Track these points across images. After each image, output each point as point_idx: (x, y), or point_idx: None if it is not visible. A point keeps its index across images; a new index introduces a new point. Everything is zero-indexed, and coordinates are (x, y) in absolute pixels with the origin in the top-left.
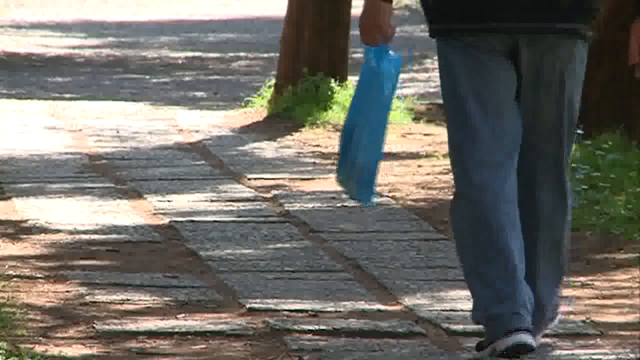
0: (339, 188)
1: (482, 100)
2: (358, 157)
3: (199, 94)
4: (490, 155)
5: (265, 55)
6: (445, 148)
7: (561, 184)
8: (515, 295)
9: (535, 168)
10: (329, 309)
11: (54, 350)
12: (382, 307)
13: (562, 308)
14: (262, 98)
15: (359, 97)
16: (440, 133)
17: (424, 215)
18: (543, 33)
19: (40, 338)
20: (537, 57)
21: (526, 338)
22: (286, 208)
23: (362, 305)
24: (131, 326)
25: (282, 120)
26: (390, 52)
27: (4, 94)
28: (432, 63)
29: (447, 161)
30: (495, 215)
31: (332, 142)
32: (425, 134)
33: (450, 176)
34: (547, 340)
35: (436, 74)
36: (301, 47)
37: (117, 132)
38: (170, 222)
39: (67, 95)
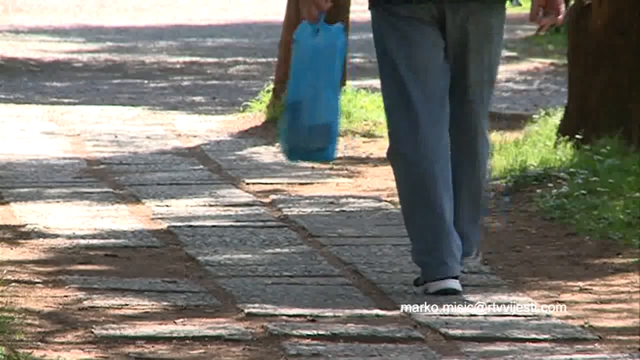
0: (338, 193)
1: (412, 65)
2: (322, 119)
3: (197, 98)
4: (422, 116)
5: (264, 60)
6: None
7: (483, 133)
8: (443, 246)
9: (461, 120)
10: (328, 314)
11: (52, 355)
12: (381, 312)
13: (559, 313)
14: (261, 103)
15: (303, 71)
16: None
17: None
18: (466, 1)
19: (39, 343)
20: (461, 23)
21: (452, 284)
22: (284, 213)
23: (361, 310)
24: (129, 331)
25: None
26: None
27: (2, 99)
28: None
29: None
30: (428, 172)
31: None
32: None
33: None
34: (546, 345)
35: None
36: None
37: (116, 136)
38: (168, 227)
39: (66, 100)
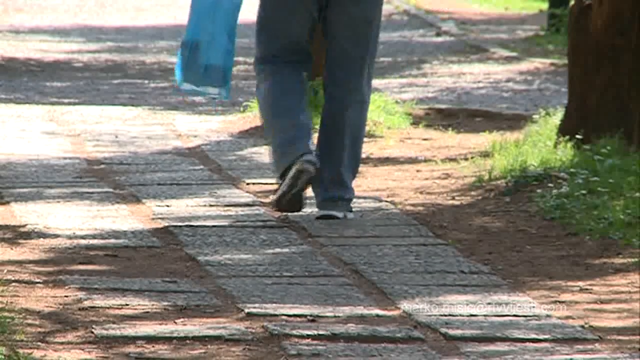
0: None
1: (282, 27)
2: (218, 60)
3: (197, 98)
4: (283, 57)
5: None
6: (444, 153)
7: (361, 93)
8: (301, 140)
9: (342, 82)
10: (328, 314)
11: (52, 355)
12: (381, 312)
13: (560, 312)
14: None
15: (203, 15)
16: (439, 138)
17: (423, 220)
18: None
19: (39, 343)
20: (345, 3)
21: (312, 159)
22: (284, 213)
23: (361, 310)
24: (130, 331)
25: None
26: None
27: (2, 99)
28: (431, 68)
29: (446, 166)
30: (286, 90)
31: None
32: (423, 139)
33: (449, 181)
34: (546, 345)
35: (435, 78)
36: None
37: (116, 137)
38: (168, 227)
39: (66, 100)
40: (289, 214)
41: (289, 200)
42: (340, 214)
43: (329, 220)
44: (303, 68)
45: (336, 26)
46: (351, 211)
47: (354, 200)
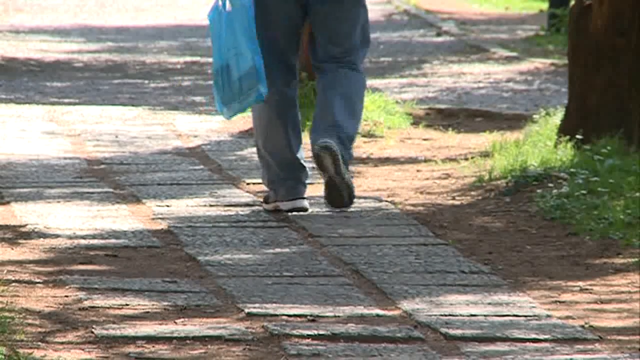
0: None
1: (269, 33)
2: (247, 64)
3: (197, 98)
4: (275, 71)
5: None
6: (444, 153)
7: (358, 69)
8: (293, 177)
9: (334, 64)
10: (328, 314)
11: (52, 355)
12: (381, 312)
13: (560, 312)
14: None
15: (221, 40)
16: (439, 138)
17: (423, 220)
18: None
19: (39, 343)
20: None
21: (303, 202)
22: (285, 213)
23: (361, 310)
24: (130, 331)
25: None
26: None
27: (2, 99)
28: (431, 68)
29: (446, 166)
30: (279, 115)
31: None
32: (424, 139)
33: (449, 181)
34: (547, 345)
35: (435, 78)
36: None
37: (116, 137)
38: (169, 227)
39: (66, 100)
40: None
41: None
42: (334, 146)
43: (329, 220)
44: (291, 85)
45: (318, 26)
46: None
47: (354, 200)
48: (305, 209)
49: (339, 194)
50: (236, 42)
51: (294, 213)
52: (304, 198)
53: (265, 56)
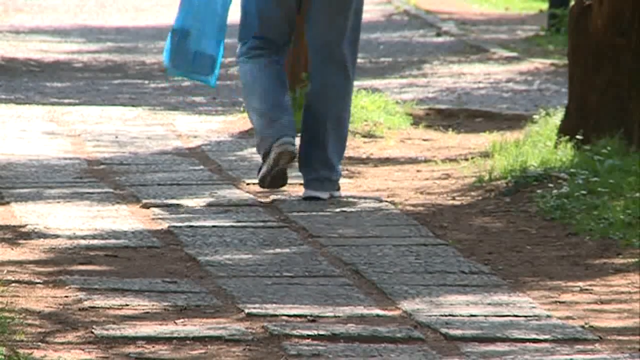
0: (339, 193)
1: (264, 17)
2: (207, 49)
3: (197, 99)
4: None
5: None
6: (444, 153)
7: (347, 75)
8: (279, 121)
9: (326, 64)
10: (328, 314)
11: (52, 356)
12: (381, 312)
13: (560, 313)
14: None
15: (194, 5)
16: (439, 138)
17: (423, 220)
18: None
19: (39, 343)
20: None
21: (290, 140)
22: (285, 213)
23: (361, 310)
24: (130, 331)
25: None
26: None
27: (2, 99)
28: (431, 68)
29: (446, 166)
30: (266, 74)
31: None
32: (424, 139)
33: (449, 181)
34: (547, 345)
35: (435, 79)
36: (299, 54)
37: (116, 137)
38: (169, 227)
39: (66, 101)
40: (275, 195)
41: (272, 178)
42: (325, 195)
43: (329, 221)
44: (282, 52)
45: (314, 14)
46: (338, 190)
47: (354, 200)
48: (294, 153)
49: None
50: (205, 19)
51: (294, 213)
52: (292, 137)
53: (256, 30)
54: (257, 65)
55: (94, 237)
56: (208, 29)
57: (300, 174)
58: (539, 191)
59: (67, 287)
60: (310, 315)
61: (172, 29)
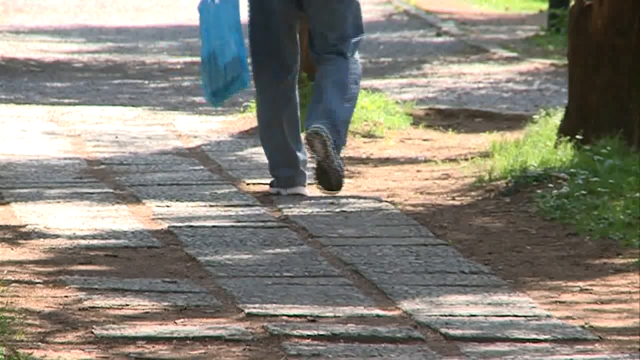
0: (338, 193)
1: (264, 31)
2: (232, 54)
3: (197, 99)
4: (268, 71)
5: None
6: (444, 153)
7: (350, 57)
8: (290, 163)
9: (326, 50)
10: (328, 314)
11: (52, 356)
12: (381, 312)
13: (560, 313)
14: None
15: (209, 30)
16: (439, 138)
17: (423, 220)
18: None
19: (39, 343)
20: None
21: (302, 189)
22: (285, 213)
23: (361, 310)
24: (130, 331)
25: None
26: None
27: (2, 99)
28: (431, 68)
29: (446, 166)
30: (275, 115)
31: None
32: (424, 139)
33: (449, 181)
34: (547, 345)
35: (435, 79)
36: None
37: (116, 137)
38: (169, 227)
39: (66, 101)
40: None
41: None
42: (321, 131)
43: (329, 221)
44: (285, 84)
45: (313, 16)
46: (340, 151)
47: (354, 200)
48: (305, 195)
49: (327, 178)
50: (222, 32)
51: (294, 213)
52: (304, 186)
53: (260, 53)
54: (264, 98)
55: (94, 237)
56: (226, 37)
57: (305, 175)
58: (539, 191)
59: (67, 287)
60: (310, 315)
61: (200, 63)
